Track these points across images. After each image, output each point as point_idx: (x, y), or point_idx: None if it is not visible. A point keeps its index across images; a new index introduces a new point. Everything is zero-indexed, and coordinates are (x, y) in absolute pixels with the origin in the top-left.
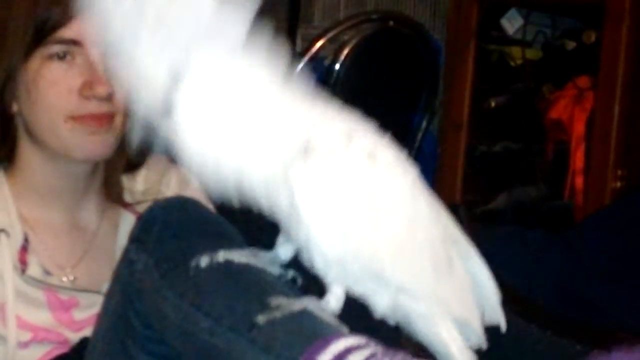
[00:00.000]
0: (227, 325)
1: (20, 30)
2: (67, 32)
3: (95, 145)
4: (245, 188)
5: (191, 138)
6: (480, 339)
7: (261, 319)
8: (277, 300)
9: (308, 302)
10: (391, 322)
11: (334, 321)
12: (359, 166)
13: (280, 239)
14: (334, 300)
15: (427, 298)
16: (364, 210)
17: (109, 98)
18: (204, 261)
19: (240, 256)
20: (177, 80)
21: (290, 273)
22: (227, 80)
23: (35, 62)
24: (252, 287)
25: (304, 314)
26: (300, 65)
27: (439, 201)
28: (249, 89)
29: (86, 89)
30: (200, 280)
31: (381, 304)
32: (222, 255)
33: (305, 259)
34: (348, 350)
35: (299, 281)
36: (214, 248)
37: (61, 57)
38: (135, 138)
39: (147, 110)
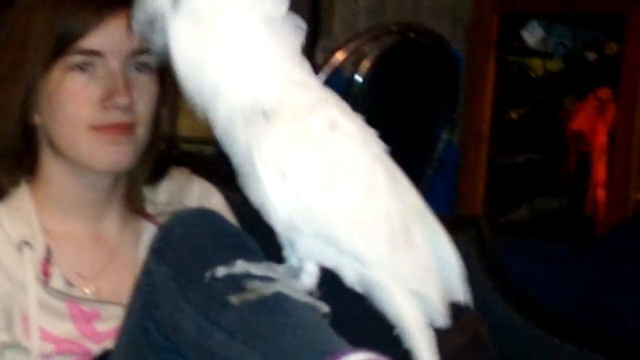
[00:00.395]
0: (241, 339)
1: (41, 42)
2: (87, 43)
3: (116, 155)
4: (214, 118)
5: (183, 44)
6: (442, 316)
7: (272, 332)
8: (288, 315)
9: (283, 285)
10: (360, 291)
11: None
12: (318, 134)
13: (287, 250)
14: (307, 278)
15: (382, 268)
16: (318, 175)
17: (129, 108)
18: (220, 272)
19: (256, 268)
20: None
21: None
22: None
23: (56, 73)
24: (266, 301)
25: (314, 328)
26: (321, 77)
27: (406, 179)
28: (249, 25)
29: (106, 99)
30: (215, 293)
31: (349, 275)
32: (239, 266)
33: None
34: None
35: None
36: (232, 261)
37: (82, 68)
38: (136, 29)
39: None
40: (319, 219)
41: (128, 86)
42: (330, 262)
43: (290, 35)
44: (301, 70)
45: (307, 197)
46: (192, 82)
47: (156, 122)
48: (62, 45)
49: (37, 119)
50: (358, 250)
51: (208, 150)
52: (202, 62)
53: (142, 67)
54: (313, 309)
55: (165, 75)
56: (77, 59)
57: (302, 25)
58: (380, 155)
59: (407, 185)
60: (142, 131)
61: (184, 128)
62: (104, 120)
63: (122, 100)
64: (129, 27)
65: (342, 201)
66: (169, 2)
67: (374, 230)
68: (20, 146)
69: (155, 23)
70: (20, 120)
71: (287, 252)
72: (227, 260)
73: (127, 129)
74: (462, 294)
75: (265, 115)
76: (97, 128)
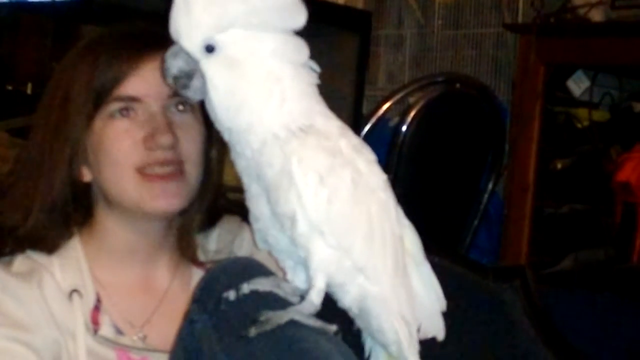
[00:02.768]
0: None
1: (82, 96)
2: (124, 90)
3: (166, 196)
4: (247, 143)
5: (220, 87)
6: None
7: None
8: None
9: (294, 313)
10: (353, 313)
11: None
12: (347, 152)
13: (291, 273)
14: (315, 295)
15: (386, 286)
16: (346, 186)
17: (173, 147)
18: (231, 295)
19: (264, 285)
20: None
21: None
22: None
23: (99, 123)
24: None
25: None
26: (367, 127)
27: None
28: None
29: (149, 140)
30: (255, 349)
31: (351, 293)
32: (246, 287)
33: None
34: None
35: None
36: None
37: (123, 114)
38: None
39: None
40: (343, 226)
41: (170, 126)
42: (340, 277)
43: (311, 76)
44: (321, 105)
45: (337, 203)
46: (228, 119)
47: (206, 165)
48: (101, 96)
49: (86, 175)
50: (370, 264)
51: None
52: (238, 100)
53: (184, 107)
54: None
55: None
56: (117, 106)
57: (317, 68)
58: (388, 190)
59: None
60: (190, 169)
61: (231, 177)
62: (149, 160)
63: (165, 139)
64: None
65: (364, 214)
66: (203, 50)
67: (385, 248)
68: (70, 203)
69: (188, 70)
70: (68, 177)
71: (291, 275)
72: (267, 314)
73: (175, 175)
74: (437, 328)
75: (302, 130)
76: (145, 174)
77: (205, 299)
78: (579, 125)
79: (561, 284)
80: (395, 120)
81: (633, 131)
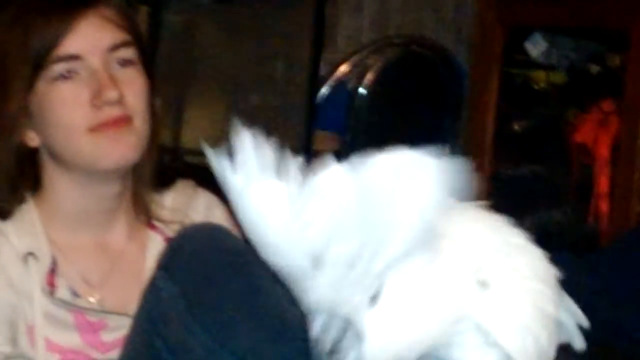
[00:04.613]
0: None
1: (20, 63)
2: (63, 49)
3: (119, 149)
4: None
5: None
6: None
7: (282, 358)
8: (297, 341)
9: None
10: None
11: None
12: None
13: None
14: None
15: None
16: None
17: (120, 101)
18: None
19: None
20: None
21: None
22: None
23: (41, 87)
24: (277, 325)
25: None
26: (324, 90)
27: None
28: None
29: (95, 98)
30: (226, 316)
31: None
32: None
33: None
34: None
35: None
36: (243, 282)
37: (65, 76)
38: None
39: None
40: None
41: (113, 81)
42: None
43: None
44: None
45: None
46: None
47: (152, 116)
48: (40, 58)
49: (33, 140)
50: None
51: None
52: None
53: (124, 62)
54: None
55: (150, 67)
56: (58, 68)
57: None
58: None
59: None
60: (139, 123)
61: (188, 140)
62: (98, 119)
63: (110, 94)
64: (100, 24)
65: None
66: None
67: None
68: (16, 170)
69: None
70: (11, 145)
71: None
72: (238, 281)
73: (123, 121)
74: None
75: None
76: (94, 129)
77: (172, 266)
78: (537, 87)
79: None
80: (353, 82)
81: (590, 93)
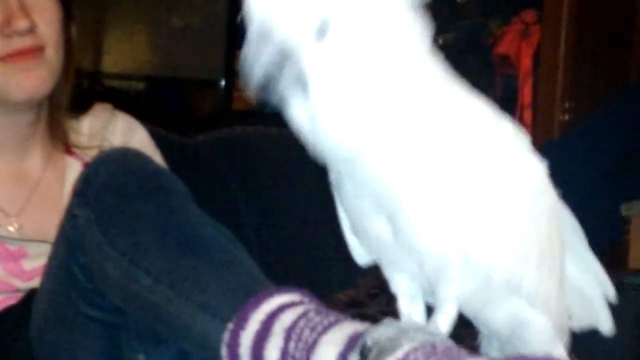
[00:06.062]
0: (166, 283)
1: None
2: None
3: (31, 81)
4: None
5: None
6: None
7: (197, 274)
8: (212, 257)
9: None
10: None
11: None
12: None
13: (404, 298)
14: (444, 322)
15: (546, 307)
16: (482, 208)
17: (32, 31)
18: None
19: (386, 333)
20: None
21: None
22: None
23: None
24: (190, 243)
25: (238, 269)
26: None
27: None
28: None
29: (5, 27)
30: (140, 238)
31: (498, 319)
32: (369, 339)
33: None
34: (281, 308)
35: None
36: (156, 203)
37: None
38: (254, 84)
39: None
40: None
41: (24, 9)
42: (485, 304)
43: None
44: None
45: (460, 227)
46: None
47: (67, 44)
48: None
49: None
50: (540, 294)
51: (133, 86)
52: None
53: None
54: (239, 246)
55: None
56: None
57: None
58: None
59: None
60: (52, 53)
61: (108, 64)
62: (9, 49)
63: (21, 23)
64: None
65: (533, 238)
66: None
67: (556, 268)
68: None
69: (284, 64)
70: None
71: (406, 305)
72: (152, 203)
73: (34, 52)
74: (606, 325)
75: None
76: (4, 59)
77: (87, 192)
78: (459, 0)
79: None
80: None
81: (511, 4)
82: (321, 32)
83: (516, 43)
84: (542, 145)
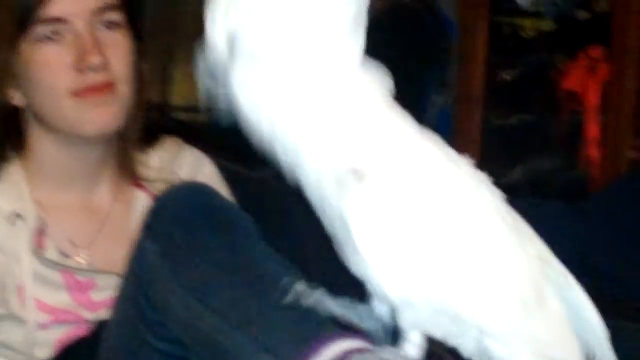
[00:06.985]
0: (230, 321)
1: (3, 21)
2: (48, 11)
3: (102, 116)
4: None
5: (246, 98)
6: None
7: (262, 315)
8: (278, 298)
9: (316, 299)
10: None
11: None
12: (421, 192)
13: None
14: (412, 350)
15: (515, 341)
16: (429, 240)
17: (104, 67)
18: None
19: (334, 306)
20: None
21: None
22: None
23: (25, 48)
24: (257, 282)
25: (304, 311)
26: None
27: (526, 226)
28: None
29: (79, 62)
30: (206, 274)
31: (467, 348)
32: (317, 298)
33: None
34: (347, 354)
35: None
36: (223, 239)
37: (50, 37)
38: (202, 86)
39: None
40: (436, 291)
41: (98, 45)
42: (443, 333)
43: (373, 78)
44: (393, 114)
45: (418, 267)
46: (270, 141)
47: (139, 79)
48: (24, 18)
49: (17, 98)
50: (484, 321)
51: (201, 118)
52: (272, 118)
53: (110, 25)
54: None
55: (138, 29)
56: (42, 29)
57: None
58: (497, 202)
59: (529, 232)
60: (124, 89)
61: (177, 96)
62: (82, 84)
63: (94, 59)
64: None
65: (463, 267)
66: (227, 48)
67: (503, 296)
68: (2, 129)
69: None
70: None
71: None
72: (220, 240)
73: (106, 88)
74: (607, 355)
75: (357, 174)
76: (77, 93)
77: (155, 225)
78: (525, 36)
79: (510, 194)
80: None
81: (578, 40)
82: (230, 48)
83: (582, 79)
84: (610, 182)
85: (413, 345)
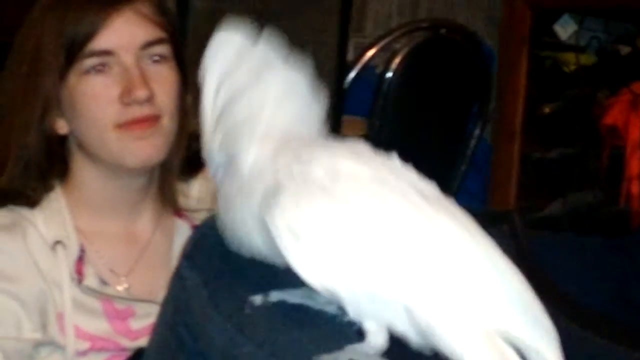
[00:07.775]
0: (268, 351)
1: (52, 52)
2: (96, 44)
3: (145, 149)
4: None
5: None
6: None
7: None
8: (316, 329)
9: (352, 352)
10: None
11: None
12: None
13: None
14: (374, 338)
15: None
16: (338, 232)
17: (150, 100)
18: (257, 300)
19: (293, 297)
20: None
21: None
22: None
23: (72, 79)
24: (295, 313)
25: (342, 342)
26: (352, 74)
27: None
28: None
29: (125, 96)
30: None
31: (411, 337)
32: (274, 296)
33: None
34: None
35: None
36: (262, 269)
37: (97, 69)
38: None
39: None
40: (353, 279)
41: (145, 79)
42: (384, 320)
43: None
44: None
45: (330, 254)
46: None
47: (182, 112)
48: (73, 51)
49: (63, 128)
50: (405, 297)
51: None
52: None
53: (157, 58)
54: (342, 322)
55: (183, 62)
56: (90, 62)
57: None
58: (406, 190)
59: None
60: (168, 122)
61: None
62: (127, 117)
63: (141, 93)
64: (135, 20)
65: (375, 246)
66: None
67: (418, 269)
68: (45, 158)
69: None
70: (42, 131)
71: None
72: (259, 272)
73: (150, 121)
74: None
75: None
76: (122, 126)
77: (195, 255)
78: (566, 70)
79: (549, 228)
80: (381, 67)
81: (620, 74)
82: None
83: (625, 114)
84: None
85: (373, 333)
